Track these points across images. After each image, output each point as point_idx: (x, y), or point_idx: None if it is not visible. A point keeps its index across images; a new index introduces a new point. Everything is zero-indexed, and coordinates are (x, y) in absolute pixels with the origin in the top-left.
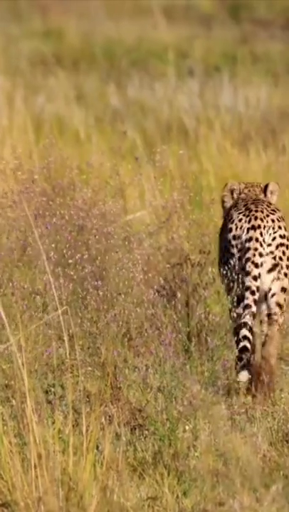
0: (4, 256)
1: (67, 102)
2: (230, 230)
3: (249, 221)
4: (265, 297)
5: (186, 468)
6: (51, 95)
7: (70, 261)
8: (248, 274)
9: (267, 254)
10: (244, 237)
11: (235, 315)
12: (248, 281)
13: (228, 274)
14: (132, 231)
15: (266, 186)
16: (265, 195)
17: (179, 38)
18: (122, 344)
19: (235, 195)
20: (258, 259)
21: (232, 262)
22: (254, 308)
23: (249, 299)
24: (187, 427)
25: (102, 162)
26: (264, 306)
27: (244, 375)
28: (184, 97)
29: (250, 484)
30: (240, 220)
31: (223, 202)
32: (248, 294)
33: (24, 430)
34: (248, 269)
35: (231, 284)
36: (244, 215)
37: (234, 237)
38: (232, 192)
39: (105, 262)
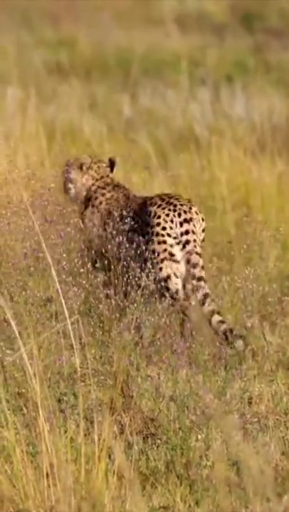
0: (17, 264)
1: (80, 111)
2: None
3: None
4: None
5: (198, 477)
6: (63, 104)
7: (82, 270)
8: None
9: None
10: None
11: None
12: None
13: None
14: None
15: (111, 162)
16: (112, 171)
17: (191, 47)
18: (135, 353)
19: (84, 169)
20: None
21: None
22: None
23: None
24: (200, 436)
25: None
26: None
27: (241, 344)
28: (196, 106)
29: (263, 493)
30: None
31: (68, 174)
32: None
33: (36, 439)
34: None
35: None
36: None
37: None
38: (81, 166)
39: (118, 270)
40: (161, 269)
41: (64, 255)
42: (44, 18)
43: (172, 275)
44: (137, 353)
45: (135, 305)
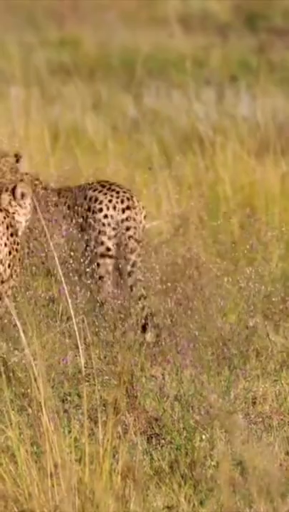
0: (22, 264)
1: (84, 111)
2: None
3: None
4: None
5: (202, 477)
6: (67, 104)
7: (88, 269)
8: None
9: None
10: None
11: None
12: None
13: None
14: (149, 240)
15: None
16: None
17: (195, 47)
18: (139, 353)
19: None
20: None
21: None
22: None
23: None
24: (204, 436)
25: (118, 171)
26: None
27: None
28: (200, 106)
29: (267, 494)
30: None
31: None
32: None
33: (40, 439)
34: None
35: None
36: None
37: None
38: None
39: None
40: (98, 265)
41: (69, 254)
42: (48, 18)
43: (106, 276)
44: (142, 353)
45: (140, 305)
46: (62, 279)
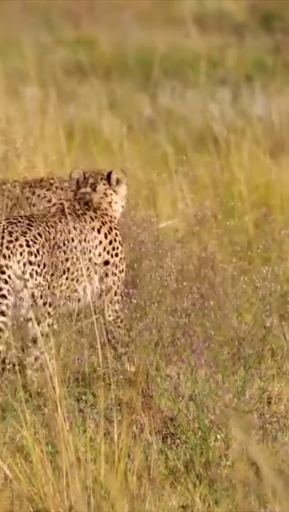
0: None
1: (100, 111)
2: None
3: None
4: None
5: (217, 477)
6: (83, 104)
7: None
8: None
9: None
10: None
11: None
12: None
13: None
14: (164, 239)
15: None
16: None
17: (211, 47)
18: (154, 352)
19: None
20: None
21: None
22: None
23: None
24: (219, 436)
25: (134, 170)
26: None
27: None
28: (215, 105)
29: (282, 494)
30: None
31: None
32: None
33: (56, 438)
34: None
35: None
36: None
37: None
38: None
39: (138, 270)
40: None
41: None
42: (64, 18)
43: None
44: (157, 352)
45: (156, 304)
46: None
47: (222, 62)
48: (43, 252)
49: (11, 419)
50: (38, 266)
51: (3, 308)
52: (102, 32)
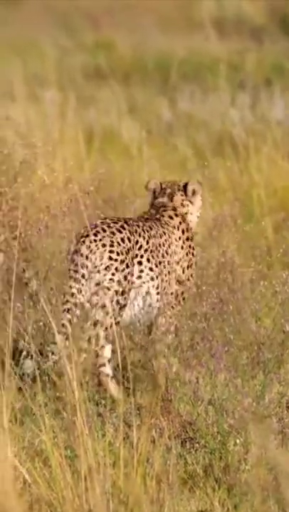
0: (56, 268)
1: (119, 115)
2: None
3: None
4: None
5: (236, 481)
6: (102, 108)
7: None
8: None
9: None
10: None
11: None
12: None
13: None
14: None
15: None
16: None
17: (230, 51)
18: (174, 357)
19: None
20: None
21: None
22: None
23: None
24: (238, 441)
25: (153, 175)
26: None
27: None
28: (235, 110)
29: None
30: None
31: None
32: None
33: (75, 442)
34: None
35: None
36: None
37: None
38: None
39: None
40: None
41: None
42: (84, 22)
43: None
44: (176, 357)
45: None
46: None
47: (241, 66)
48: (127, 252)
49: (30, 423)
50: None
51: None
52: (121, 36)
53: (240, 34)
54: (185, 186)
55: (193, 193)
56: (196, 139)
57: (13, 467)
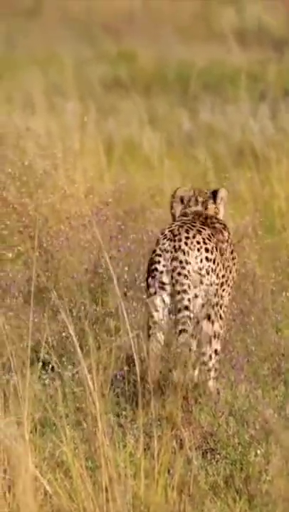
0: (77, 279)
1: (139, 126)
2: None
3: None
4: None
5: (257, 492)
6: (123, 119)
7: (143, 284)
8: None
9: None
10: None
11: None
12: None
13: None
14: None
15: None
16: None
17: (251, 62)
18: (194, 367)
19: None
20: None
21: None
22: None
23: None
24: (259, 451)
25: (174, 185)
26: None
27: None
28: (255, 121)
29: None
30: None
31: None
32: None
33: (95, 453)
34: None
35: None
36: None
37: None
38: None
39: None
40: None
41: (125, 268)
42: (104, 32)
43: None
44: (196, 367)
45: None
46: (118, 293)
47: (262, 77)
48: (217, 251)
49: (50, 434)
50: (214, 263)
51: (186, 303)
52: (142, 47)
53: (260, 45)
54: (214, 193)
55: (221, 199)
56: (217, 150)
57: (34, 478)
